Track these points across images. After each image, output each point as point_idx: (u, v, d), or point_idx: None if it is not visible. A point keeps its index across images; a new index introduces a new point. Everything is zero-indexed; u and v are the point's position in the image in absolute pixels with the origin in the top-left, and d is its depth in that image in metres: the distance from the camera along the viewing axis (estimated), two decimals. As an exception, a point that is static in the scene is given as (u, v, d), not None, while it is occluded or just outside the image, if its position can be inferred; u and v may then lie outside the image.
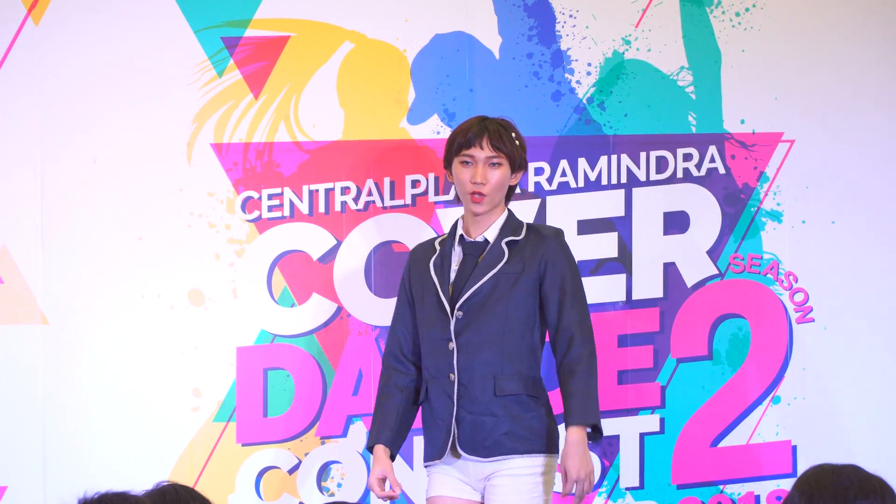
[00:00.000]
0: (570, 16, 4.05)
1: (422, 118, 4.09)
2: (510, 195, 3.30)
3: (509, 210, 3.26)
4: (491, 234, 3.17)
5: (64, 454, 3.84)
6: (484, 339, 3.18)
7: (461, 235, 3.20)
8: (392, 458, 3.26)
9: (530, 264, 3.24)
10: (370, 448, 3.30)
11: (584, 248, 3.75)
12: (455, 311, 3.18)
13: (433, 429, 3.18)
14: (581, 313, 3.20)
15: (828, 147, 4.14)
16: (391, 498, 3.25)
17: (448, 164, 3.30)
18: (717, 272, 4.03)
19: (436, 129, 4.01)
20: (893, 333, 4.07)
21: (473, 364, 3.16)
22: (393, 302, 3.71)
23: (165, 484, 3.14)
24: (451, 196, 3.81)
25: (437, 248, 3.28)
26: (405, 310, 3.27)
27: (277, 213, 4.09)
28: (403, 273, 3.36)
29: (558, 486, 3.25)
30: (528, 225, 3.30)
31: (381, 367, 3.35)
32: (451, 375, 3.18)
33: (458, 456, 3.19)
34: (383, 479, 3.26)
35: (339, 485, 3.83)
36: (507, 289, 3.19)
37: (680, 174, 4.05)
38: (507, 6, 4.05)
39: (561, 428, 3.15)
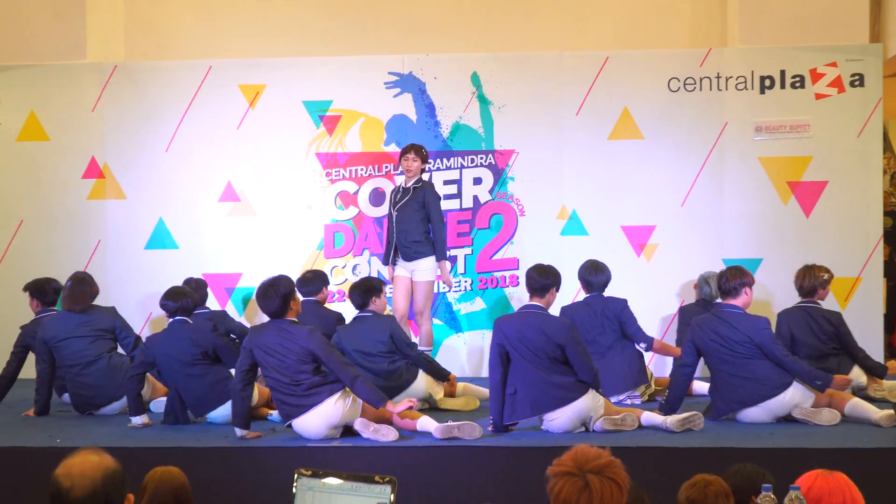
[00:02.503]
0: (440, 108, 7.80)
1: (388, 144, 7.86)
2: (423, 171, 7.14)
3: (421, 177, 7.07)
4: (410, 185, 7.09)
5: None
6: (402, 220, 6.97)
7: (402, 186, 7.10)
8: (394, 264, 7.05)
9: (419, 196, 7.01)
10: (385, 263, 7.10)
11: (443, 191, 7.64)
12: (395, 211, 7.06)
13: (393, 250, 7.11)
14: (439, 214, 6.96)
15: (530, 153, 7.73)
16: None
17: (399, 159, 7.07)
18: (491, 198, 7.81)
19: (394, 149, 7.71)
20: (552, 218, 7.67)
21: (401, 230, 6.99)
22: (378, 208, 7.66)
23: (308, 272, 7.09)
24: (398, 171, 7.55)
25: (396, 188, 7.11)
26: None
27: (338, 177, 7.91)
28: (389, 198, 7.10)
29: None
30: (424, 181, 7.14)
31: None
32: (393, 235, 7.05)
33: (398, 260, 7.09)
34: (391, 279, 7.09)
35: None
36: (412, 203, 7.00)
37: (478, 164, 7.83)
38: (419, 104, 7.80)
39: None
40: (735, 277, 5.81)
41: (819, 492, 3.19)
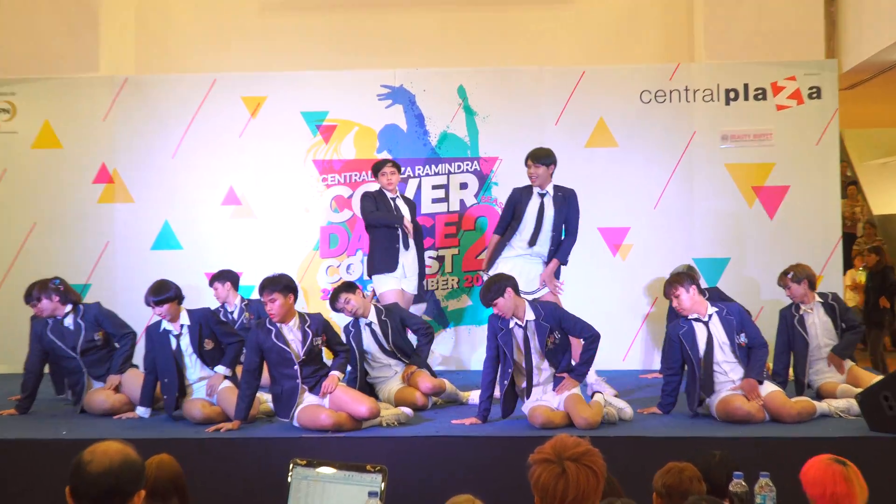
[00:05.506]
0: (429, 118, 7.71)
1: (380, 152, 7.71)
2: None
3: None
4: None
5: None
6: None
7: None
8: None
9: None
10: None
11: (431, 195, 7.63)
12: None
13: None
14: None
15: (512, 159, 7.28)
16: None
17: (376, 173, 6.76)
18: (476, 202, 7.69)
19: (385, 156, 7.54)
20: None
21: None
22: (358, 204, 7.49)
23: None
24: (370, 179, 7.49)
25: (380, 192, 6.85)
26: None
27: (334, 182, 7.78)
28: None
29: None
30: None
31: None
32: None
33: None
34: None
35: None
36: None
37: (465, 170, 7.71)
38: (409, 115, 7.69)
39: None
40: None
41: (808, 477, 3.10)
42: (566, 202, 6.44)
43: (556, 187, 6.50)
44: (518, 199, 6.51)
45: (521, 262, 6.41)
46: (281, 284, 5.31)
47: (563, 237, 6.42)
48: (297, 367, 5.25)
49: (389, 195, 6.79)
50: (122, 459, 2.39)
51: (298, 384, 5.27)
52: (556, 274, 6.45)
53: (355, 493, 2.91)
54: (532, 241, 6.36)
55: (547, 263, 6.38)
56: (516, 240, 6.44)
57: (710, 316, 5.44)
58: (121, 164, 7.85)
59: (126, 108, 7.85)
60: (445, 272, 7.76)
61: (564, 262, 6.48)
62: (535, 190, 6.47)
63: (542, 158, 6.39)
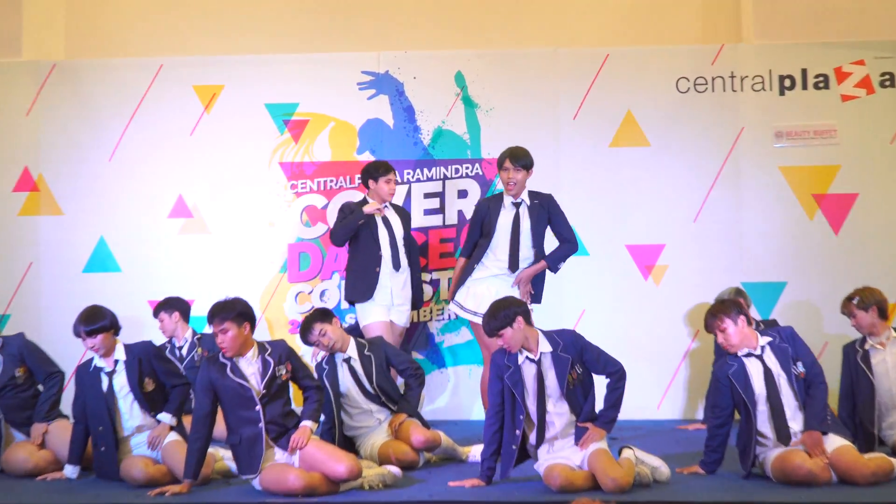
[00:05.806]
0: (420, 111, 7.65)
1: (361, 152, 7.65)
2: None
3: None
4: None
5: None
6: None
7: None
8: None
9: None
10: None
11: (424, 204, 7.53)
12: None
13: None
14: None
15: None
16: None
17: (375, 178, 6.66)
18: None
19: (368, 157, 7.50)
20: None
21: None
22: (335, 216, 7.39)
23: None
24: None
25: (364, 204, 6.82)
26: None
27: (304, 189, 7.71)
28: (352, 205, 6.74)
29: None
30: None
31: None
32: None
33: None
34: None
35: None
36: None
37: (464, 174, 7.61)
38: (397, 107, 7.64)
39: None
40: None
41: None
42: (545, 209, 6.44)
43: (532, 193, 6.50)
44: (486, 213, 6.50)
45: (496, 283, 6.41)
46: (234, 312, 5.20)
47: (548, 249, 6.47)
48: (258, 407, 5.16)
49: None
50: None
51: (261, 430, 5.16)
52: (541, 282, 6.42)
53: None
54: (512, 265, 6.35)
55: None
56: (489, 258, 6.43)
57: (763, 348, 5.34)
58: (47, 169, 7.77)
59: (54, 100, 7.80)
60: (441, 299, 7.68)
61: (553, 269, 6.48)
62: (507, 199, 6.46)
63: (522, 159, 6.40)
